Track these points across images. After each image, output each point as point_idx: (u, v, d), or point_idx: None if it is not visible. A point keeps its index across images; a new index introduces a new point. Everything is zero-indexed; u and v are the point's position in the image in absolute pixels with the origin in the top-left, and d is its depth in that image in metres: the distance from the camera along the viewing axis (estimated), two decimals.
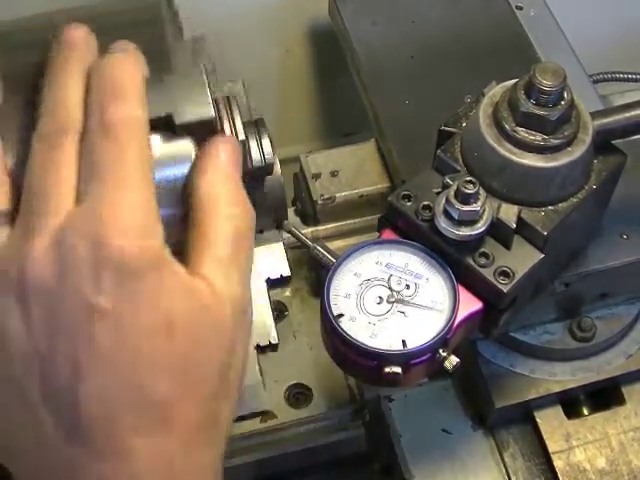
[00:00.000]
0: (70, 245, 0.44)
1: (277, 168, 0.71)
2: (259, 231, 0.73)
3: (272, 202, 0.75)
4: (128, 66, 0.49)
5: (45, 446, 0.44)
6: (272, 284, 0.79)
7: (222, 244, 0.48)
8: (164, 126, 0.51)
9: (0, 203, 0.47)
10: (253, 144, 0.67)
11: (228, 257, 0.48)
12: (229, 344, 0.47)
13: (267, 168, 0.67)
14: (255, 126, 0.69)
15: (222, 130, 0.55)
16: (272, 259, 0.78)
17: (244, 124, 0.59)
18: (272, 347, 0.75)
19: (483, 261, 0.59)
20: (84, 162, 0.46)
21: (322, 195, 0.83)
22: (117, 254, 0.43)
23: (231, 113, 0.57)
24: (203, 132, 0.51)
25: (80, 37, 0.50)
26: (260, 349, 0.75)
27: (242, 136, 0.58)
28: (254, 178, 0.68)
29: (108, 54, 0.49)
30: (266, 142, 0.67)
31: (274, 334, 0.75)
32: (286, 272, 0.78)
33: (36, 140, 0.47)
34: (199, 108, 0.52)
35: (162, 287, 0.45)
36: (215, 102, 0.52)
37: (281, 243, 0.79)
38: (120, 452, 0.44)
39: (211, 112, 0.51)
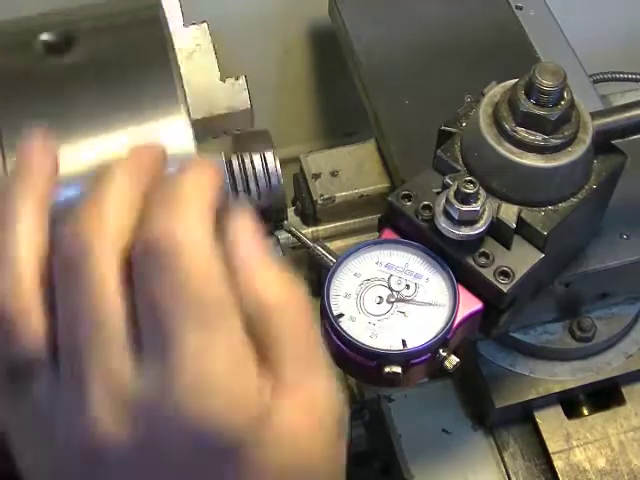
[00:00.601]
0: (147, 416, 0.37)
1: (277, 168, 0.71)
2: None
3: (272, 202, 0.75)
4: (196, 181, 0.40)
5: None
6: None
7: (295, 341, 0.40)
8: None
9: (33, 342, 0.39)
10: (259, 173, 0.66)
11: (311, 357, 0.40)
12: (338, 457, 0.42)
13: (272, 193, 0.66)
14: (260, 137, 0.66)
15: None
16: None
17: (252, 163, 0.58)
18: None
19: (483, 261, 0.59)
20: (139, 299, 0.38)
21: (322, 195, 0.83)
22: (212, 439, 0.36)
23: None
24: None
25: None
26: None
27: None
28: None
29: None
30: (273, 171, 0.65)
31: None
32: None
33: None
34: None
35: (269, 447, 0.38)
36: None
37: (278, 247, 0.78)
38: None
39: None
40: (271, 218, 0.77)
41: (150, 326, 0.37)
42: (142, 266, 0.37)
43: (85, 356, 0.37)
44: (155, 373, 0.37)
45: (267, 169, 0.63)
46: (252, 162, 0.60)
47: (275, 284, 0.40)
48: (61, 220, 0.39)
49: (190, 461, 0.37)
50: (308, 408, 0.39)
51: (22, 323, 0.39)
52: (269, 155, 0.66)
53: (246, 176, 0.59)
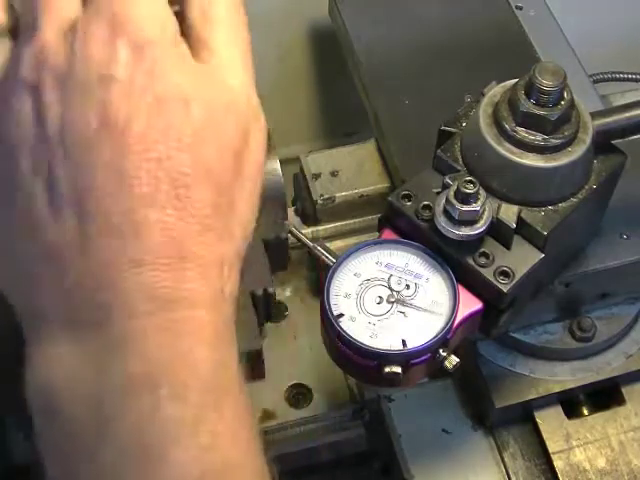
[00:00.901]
0: (85, 28, 0.43)
1: (277, 168, 0.70)
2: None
3: (272, 202, 0.75)
4: None
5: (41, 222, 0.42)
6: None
7: (223, 25, 0.47)
8: None
9: None
10: None
11: (230, 40, 0.47)
12: (243, 128, 0.46)
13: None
14: None
15: None
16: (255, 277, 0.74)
17: None
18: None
19: (483, 261, 0.59)
20: None
21: (322, 195, 0.83)
22: (134, 26, 0.43)
23: None
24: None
25: None
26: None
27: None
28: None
29: None
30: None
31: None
32: (271, 288, 0.74)
33: None
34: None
35: (178, 62, 0.44)
36: None
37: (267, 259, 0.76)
38: (132, 226, 0.42)
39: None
40: (271, 218, 0.77)
41: None
42: None
43: (40, 5, 0.44)
44: (97, 8, 0.44)
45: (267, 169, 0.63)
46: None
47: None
48: None
49: (116, 54, 0.43)
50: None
51: None
52: (269, 155, 0.66)
53: None
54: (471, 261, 0.59)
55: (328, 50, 1.03)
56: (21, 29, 0.45)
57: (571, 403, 0.75)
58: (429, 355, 0.58)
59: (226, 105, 0.45)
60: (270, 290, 0.63)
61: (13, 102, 0.43)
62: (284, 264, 0.68)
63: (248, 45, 0.48)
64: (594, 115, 0.62)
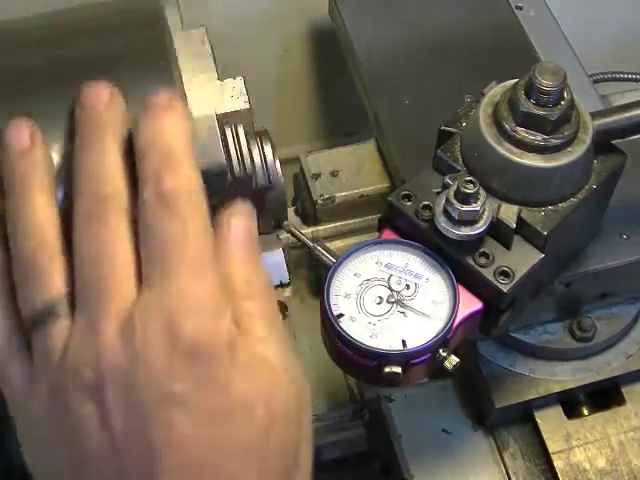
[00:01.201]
0: (142, 332, 0.42)
1: (277, 168, 0.70)
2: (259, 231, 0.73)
3: (272, 202, 0.75)
4: (175, 124, 0.46)
5: None
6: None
7: (260, 324, 0.46)
8: None
9: (54, 288, 0.45)
10: (257, 160, 0.66)
11: (271, 332, 0.46)
12: (299, 416, 0.46)
13: (272, 187, 0.66)
14: (260, 141, 0.67)
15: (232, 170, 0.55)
16: (271, 264, 0.76)
17: (247, 136, 0.59)
18: None
19: (483, 261, 0.59)
20: (143, 239, 0.44)
21: (322, 195, 0.83)
22: (191, 338, 0.42)
23: (239, 145, 0.57)
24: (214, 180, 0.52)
25: (105, 97, 0.48)
26: None
27: (250, 171, 0.58)
28: (257, 195, 0.68)
29: (148, 112, 0.47)
30: (270, 158, 0.66)
31: None
32: (285, 279, 0.77)
33: (80, 219, 0.45)
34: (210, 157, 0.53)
35: (237, 368, 0.43)
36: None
37: (281, 249, 0.78)
38: None
39: (223, 162, 0.53)
40: (271, 218, 0.77)
41: (152, 264, 0.44)
42: (153, 215, 0.44)
43: (96, 292, 0.44)
44: (151, 299, 0.43)
45: (267, 168, 0.63)
46: (252, 161, 0.60)
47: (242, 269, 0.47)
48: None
49: (176, 368, 0.42)
50: (271, 356, 0.46)
51: (46, 272, 0.45)
52: (269, 154, 0.66)
53: (246, 174, 0.58)
54: (471, 261, 0.59)
55: (328, 50, 1.03)
56: (79, 310, 0.44)
57: (571, 403, 0.75)
58: (429, 355, 0.58)
59: (284, 401, 0.45)
60: None
61: (73, 402, 0.43)
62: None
63: (283, 329, 0.48)
64: (594, 115, 0.62)
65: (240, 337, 0.44)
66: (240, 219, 0.48)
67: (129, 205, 0.45)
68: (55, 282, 0.44)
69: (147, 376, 0.42)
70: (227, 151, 0.56)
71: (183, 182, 0.45)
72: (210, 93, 0.57)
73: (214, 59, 0.57)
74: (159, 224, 0.44)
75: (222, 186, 0.55)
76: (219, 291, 0.44)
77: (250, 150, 0.59)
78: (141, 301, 0.43)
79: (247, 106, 0.60)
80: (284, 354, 0.46)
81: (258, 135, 0.62)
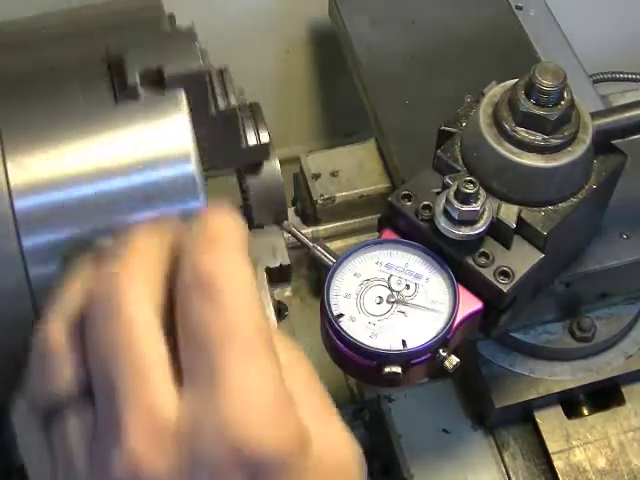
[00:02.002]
0: (186, 444, 0.37)
1: (277, 168, 0.70)
2: (260, 226, 0.73)
3: (272, 202, 0.75)
4: (228, 221, 0.41)
5: None
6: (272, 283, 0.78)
7: (309, 400, 0.41)
8: (155, 81, 0.50)
9: (80, 380, 0.40)
10: (248, 124, 0.65)
11: (322, 404, 0.42)
12: None
13: (263, 150, 0.66)
14: (249, 108, 0.67)
15: (212, 89, 0.54)
16: (271, 248, 0.75)
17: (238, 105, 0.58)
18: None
19: (483, 261, 0.59)
20: (182, 332, 0.39)
21: (322, 195, 0.83)
22: (250, 452, 0.36)
23: (223, 81, 0.56)
24: (194, 87, 0.51)
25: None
26: None
27: (234, 102, 0.57)
28: (250, 165, 0.67)
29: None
30: (261, 123, 0.65)
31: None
32: (286, 261, 0.76)
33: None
34: (189, 60, 0.51)
35: (309, 475, 0.38)
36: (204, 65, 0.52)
37: (281, 233, 0.77)
38: None
39: (200, 63, 0.51)
40: (271, 218, 0.77)
41: (195, 358, 0.38)
42: (188, 301, 0.38)
43: (122, 392, 0.38)
44: (199, 403, 0.37)
45: (258, 130, 0.63)
46: (246, 139, 0.61)
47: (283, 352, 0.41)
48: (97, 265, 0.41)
49: None
50: (338, 449, 0.41)
51: (57, 363, 0.40)
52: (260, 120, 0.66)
53: (229, 109, 0.58)
54: (471, 261, 0.59)
55: (328, 50, 1.03)
56: (100, 413, 0.39)
57: (571, 403, 0.75)
58: (429, 355, 0.58)
59: None
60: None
61: None
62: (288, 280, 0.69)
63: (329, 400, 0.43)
64: (594, 115, 0.62)
65: (307, 433, 0.39)
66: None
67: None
68: (66, 373, 0.40)
69: None
70: (211, 82, 0.55)
71: (224, 263, 0.39)
72: None
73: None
74: (197, 312, 0.38)
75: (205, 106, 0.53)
76: (280, 387, 0.38)
77: (231, 93, 0.58)
78: (182, 406, 0.38)
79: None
80: (340, 427, 0.41)
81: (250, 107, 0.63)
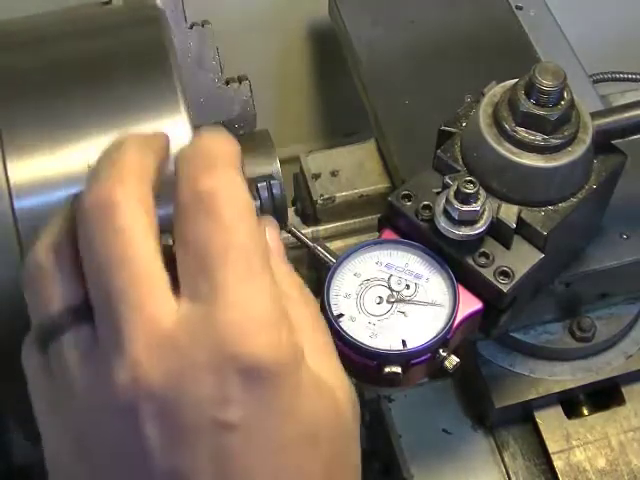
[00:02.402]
0: (185, 350, 0.38)
1: (277, 168, 0.71)
2: None
3: (273, 204, 0.75)
4: (222, 141, 0.42)
5: None
6: None
7: (319, 334, 0.43)
8: None
9: (70, 298, 0.41)
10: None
11: (324, 343, 0.43)
12: (356, 443, 0.43)
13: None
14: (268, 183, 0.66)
15: None
16: None
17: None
18: None
19: (483, 261, 0.59)
20: (180, 249, 0.39)
21: (322, 195, 0.83)
22: (246, 357, 0.37)
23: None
24: None
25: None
26: None
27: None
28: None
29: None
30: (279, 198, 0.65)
31: None
32: None
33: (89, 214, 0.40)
34: None
35: (301, 391, 0.39)
36: None
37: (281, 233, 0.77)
38: None
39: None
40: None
41: (194, 271, 0.39)
42: (188, 218, 0.39)
43: (122, 302, 0.38)
44: (198, 312, 0.38)
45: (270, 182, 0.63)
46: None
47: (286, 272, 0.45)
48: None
49: (230, 391, 0.38)
50: (334, 381, 0.42)
51: (47, 283, 0.41)
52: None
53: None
54: (471, 261, 0.59)
55: (328, 50, 1.03)
56: (101, 323, 0.39)
57: (571, 403, 0.75)
58: (429, 355, 0.58)
59: (345, 427, 0.42)
60: None
61: (103, 424, 0.39)
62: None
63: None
64: (594, 115, 0.62)
65: (302, 351, 0.40)
66: (273, 229, 0.46)
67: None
68: (55, 293, 0.41)
69: (193, 403, 0.37)
70: None
71: (225, 182, 0.40)
72: (213, 97, 0.57)
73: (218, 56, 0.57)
74: (198, 230, 0.39)
75: None
76: (277, 303, 0.40)
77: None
78: (181, 316, 0.38)
79: (252, 112, 0.61)
80: (340, 368, 0.43)
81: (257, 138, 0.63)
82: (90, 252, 0.40)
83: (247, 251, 0.39)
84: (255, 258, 0.39)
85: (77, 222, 0.41)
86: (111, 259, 0.39)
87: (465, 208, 0.57)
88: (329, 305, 0.59)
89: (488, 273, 0.59)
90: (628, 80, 1.02)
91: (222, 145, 0.41)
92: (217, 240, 0.39)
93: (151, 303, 0.38)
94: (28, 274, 0.42)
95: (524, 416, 0.75)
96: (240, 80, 0.64)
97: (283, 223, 0.75)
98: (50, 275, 0.41)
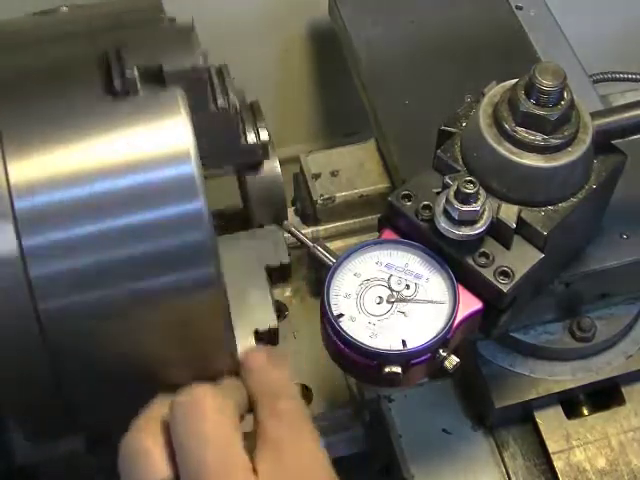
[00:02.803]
0: None
1: (277, 168, 0.71)
2: (259, 225, 0.73)
3: (272, 202, 0.75)
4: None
5: None
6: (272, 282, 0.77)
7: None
8: (154, 78, 0.50)
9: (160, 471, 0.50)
10: (248, 123, 0.66)
11: None
12: None
13: (263, 149, 0.66)
14: (249, 107, 0.67)
15: (212, 86, 0.55)
16: (271, 247, 0.76)
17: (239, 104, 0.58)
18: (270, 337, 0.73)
19: (483, 261, 0.59)
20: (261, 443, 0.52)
21: (322, 195, 0.83)
22: None
23: (222, 78, 0.56)
24: (193, 84, 0.51)
25: None
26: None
27: (233, 99, 0.57)
28: (250, 165, 0.67)
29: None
30: (261, 122, 0.66)
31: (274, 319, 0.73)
32: (286, 260, 0.77)
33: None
34: (188, 58, 0.52)
35: None
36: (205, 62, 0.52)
37: (281, 232, 0.77)
38: None
39: (199, 60, 0.51)
40: (271, 218, 0.77)
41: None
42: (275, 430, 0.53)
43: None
44: None
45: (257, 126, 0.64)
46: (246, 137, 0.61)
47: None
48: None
49: None
50: None
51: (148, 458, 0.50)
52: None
53: (229, 105, 0.58)
54: (471, 261, 0.59)
55: (328, 50, 1.03)
56: None
57: (571, 403, 0.75)
58: (429, 355, 0.58)
59: None
60: (274, 326, 0.66)
61: None
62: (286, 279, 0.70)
63: None
64: (594, 115, 0.62)
65: None
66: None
67: None
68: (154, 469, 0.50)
69: None
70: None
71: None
72: None
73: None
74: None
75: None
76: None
77: (231, 91, 0.58)
78: None
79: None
80: None
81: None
82: (179, 434, 0.51)
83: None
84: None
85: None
86: (198, 442, 0.50)
87: (465, 208, 0.57)
88: (329, 305, 0.59)
89: (488, 273, 0.59)
90: (628, 80, 1.02)
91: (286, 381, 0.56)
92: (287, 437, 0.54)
93: None
94: (129, 445, 0.50)
95: (524, 416, 0.75)
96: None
97: (283, 221, 0.75)
98: (151, 450, 0.50)
